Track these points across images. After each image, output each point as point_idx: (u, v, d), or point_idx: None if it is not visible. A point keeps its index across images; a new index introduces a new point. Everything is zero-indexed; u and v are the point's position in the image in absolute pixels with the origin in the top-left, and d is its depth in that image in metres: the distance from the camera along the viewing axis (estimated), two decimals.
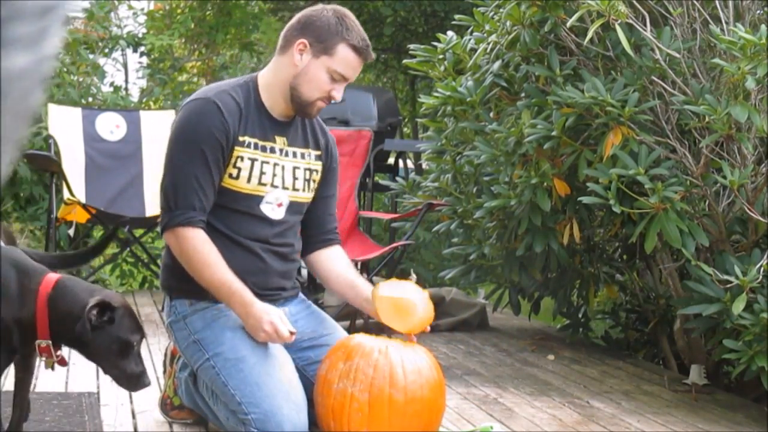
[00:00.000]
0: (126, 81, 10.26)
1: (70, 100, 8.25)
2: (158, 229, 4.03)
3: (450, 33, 6.04)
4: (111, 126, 7.63)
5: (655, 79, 4.93)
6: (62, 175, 6.94)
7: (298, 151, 3.95)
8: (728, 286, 4.69)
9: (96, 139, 7.54)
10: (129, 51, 10.11)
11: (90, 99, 8.78)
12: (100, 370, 4.88)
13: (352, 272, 4.08)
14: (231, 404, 3.74)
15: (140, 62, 10.37)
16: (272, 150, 3.85)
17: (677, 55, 4.88)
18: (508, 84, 5.54)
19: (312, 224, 4.09)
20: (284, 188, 3.88)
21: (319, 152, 4.03)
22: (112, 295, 3.50)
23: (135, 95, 10.08)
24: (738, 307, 4.55)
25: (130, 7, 10.30)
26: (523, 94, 5.44)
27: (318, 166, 4.01)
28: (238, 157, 3.77)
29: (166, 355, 4.40)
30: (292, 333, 3.63)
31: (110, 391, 4.87)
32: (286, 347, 3.91)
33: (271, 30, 11.00)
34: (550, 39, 5.31)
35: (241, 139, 3.77)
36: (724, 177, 4.68)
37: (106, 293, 3.49)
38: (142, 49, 10.02)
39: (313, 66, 3.77)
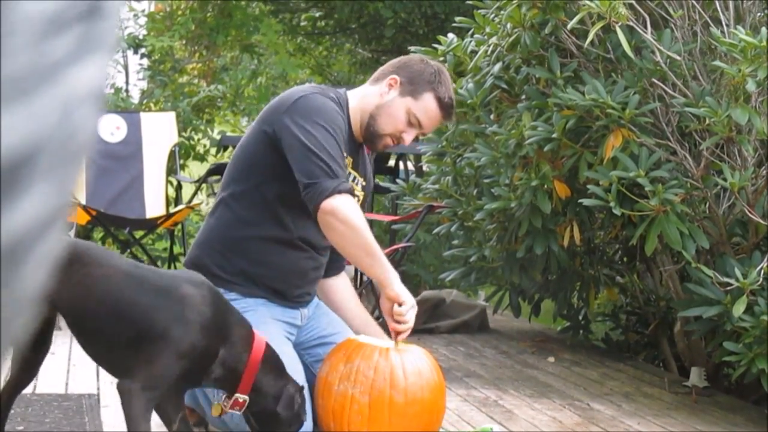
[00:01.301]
0: (126, 82, 10.25)
1: None
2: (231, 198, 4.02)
3: (450, 35, 6.03)
4: (111, 127, 7.63)
5: (656, 81, 4.94)
6: None
7: (357, 176, 4.05)
8: (728, 288, 4.69)
9: (96, 141, 7.54)
10: (129, 53, 10.10)
11: None
12: (100, 371, 4.90)
13: (362, 309, 4.21)
14: None
15: (141, 64, 10.36)
16: (347, 165, 3.94)
17: (678, 57, 4.88)
18: (508, 86, 5.54)
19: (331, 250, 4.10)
20: None
21: (365, 183, 4.14)
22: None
23: (135, 97, 10.07)
24: (738, 309, 4.55)
25: (131, 9, 10.30)
26: (523, 96, 5.44)
27: (361, 194, 4.11)
28: None
29: None
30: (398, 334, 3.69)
31: (110, 392, 4.87)
32: (297, 344, 3.95)
33: (271, 32, 10.97)
34: (550, 41, 5.31)
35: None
36: (725, 179, 4.68)
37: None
38: (143, 50, 10.02)
39: (396, 102, 3.88)
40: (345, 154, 3.85)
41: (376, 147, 3.99)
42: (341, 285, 4.23)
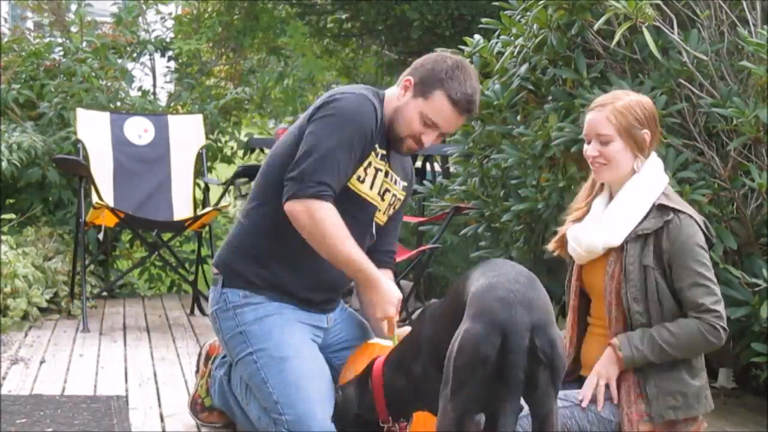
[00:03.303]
0: (154, 85, 10.28)
1: (98, 104, 8.27)
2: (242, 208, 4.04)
3: (477, 36, 6.03)
4: (139, 130, 7.66)
5: (683, 81, 4.92)
6: (91, 179, 6.97)
7: (394, 175, 4.01)
8: (756, 289, 4.67)
9: (124, 143, 7.57)
10: (157, 55, 10.13)
11: (118, 103, 8.81)
12: (129, 373, 4.92)
13: None
14: (266, 401, 3.76)
15: (168, 66, 10.39)
16: (384, 164, 3.93)
17: (705, 57, 4.86)
18: (535, 87, 5.53)
19: (376, 244, 4.10)
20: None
21: (406, 183, 4.11)
22: None
23: (163, 99, 10.10)
24: (766, 310, 4.54)
25: (158, 12, 10.33)
26: (550, 97, 5.43)
27: (402, 195, 4.09)
28: (369, 162, 3.83)
29: (200, 354, 4.42)
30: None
31: (139, 394, 4.90)
32: (325, 346, 3.95)
33: (297, 34, 10.99)
34: (577, 42, 5.30)
35: (375, 145, 3.84)
36: (752, 180, 4.67)
37: None
38: (170, 53, 10.05)
39: (410, 105, 3.83)
40: (378, 152, 3.85)
41: (399, 149, 3.93)
42: None
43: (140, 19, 10.05)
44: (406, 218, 7.88)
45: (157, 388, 5.03)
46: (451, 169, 6.93)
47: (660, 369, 3.60)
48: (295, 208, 3.68)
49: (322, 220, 3.65)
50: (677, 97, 4.98)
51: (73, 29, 9.48)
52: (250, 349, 3.83)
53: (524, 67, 5.51)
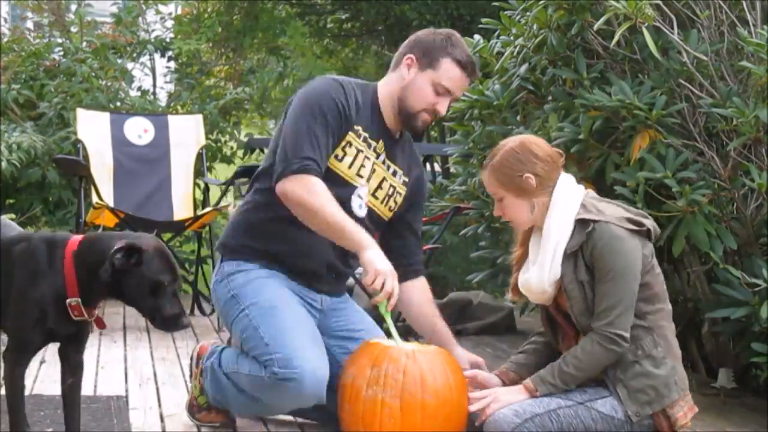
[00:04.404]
0: (154, 85, 10.28)
1: (98, 104, 8.28)
2: (226, 210, 4.11)
3: (477, 36, 6.02)
4: (139, 130, 7.66)
5: (683, 81, 4.92)
6: (90, 179, 6.97)
7: (392, 166, 4.11)
8: (756, 289, 4.67)
9: (124, 143, 7.57)
10: (157, 55, 10.14)
11: (118, 103, 8.81)
12: (129, 373, 4.92)
13: (434, 312, 4.20)
14: (258, 349, 3.82)
15: (168, 67, 10.40)
16: (375, 150, 4.02)
17: (705, 57, 4.86)
18: (535, 87, 5.53)
19: (402, 253, 4.18)
20: (369, 190, 4.03)
21: (407, 179, 4.18)
22: (143, 238, 3.53)
23: (163, 99, 10.11)
24: (766, 310, 4.53)
25: (158, 12, 10.33)
26: (550, 98, 5.43)
27: (402, 190, 4.17)
28: (348, 141, 3.94)
29: (192, 357, 4.43)
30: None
31: (139, 394, 4.90)
32: (322, 328, 4.03)
33: (297, 34, 10.99)
34: (576, 42, 5.30)
35: (355, 126, 3.95)
36: (752, 180, 4.66)
37: (137, 236, 3.56)
38: (170, 53, 10.06)
39: (419, 79, 3.98)
40: (360, 133, 3.95)
41: (417, 127, 4.07)
42: (415, 285, 4.23)
43: (140, 19, 10.06)
44: None
45: (157, 388, 5.03)
46: (451, 169, 6.93)
47: (623, 369, 3.62)
48: (285, 186, 3.79)
49: (314, 192, 3.75)
50: (677, 98, 4.98)
51: (73, 29, 9.49)
52: (242, 307, 3.93)
53: (524, 67, 5.51)
